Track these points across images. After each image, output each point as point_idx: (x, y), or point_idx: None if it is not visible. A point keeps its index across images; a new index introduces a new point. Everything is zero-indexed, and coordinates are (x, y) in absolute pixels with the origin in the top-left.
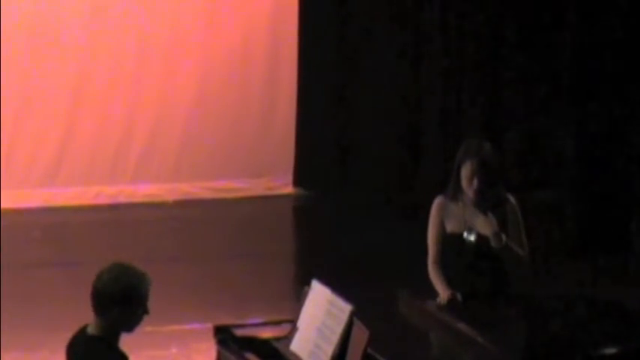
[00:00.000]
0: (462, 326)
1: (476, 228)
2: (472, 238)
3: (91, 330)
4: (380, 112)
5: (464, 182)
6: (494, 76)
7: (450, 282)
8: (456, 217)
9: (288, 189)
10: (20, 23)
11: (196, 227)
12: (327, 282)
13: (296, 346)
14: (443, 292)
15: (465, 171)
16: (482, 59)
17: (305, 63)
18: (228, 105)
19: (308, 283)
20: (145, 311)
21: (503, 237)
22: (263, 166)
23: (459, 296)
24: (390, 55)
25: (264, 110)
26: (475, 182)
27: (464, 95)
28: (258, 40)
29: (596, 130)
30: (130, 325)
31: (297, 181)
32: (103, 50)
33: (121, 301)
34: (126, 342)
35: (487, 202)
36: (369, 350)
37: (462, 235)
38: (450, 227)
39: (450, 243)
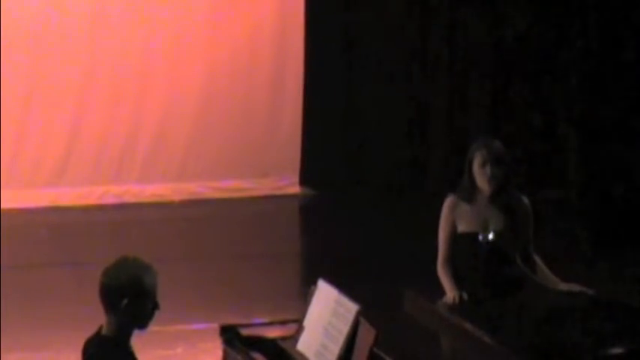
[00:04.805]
0: (468, 326)
1: (492, 226)
2: (489, 237)
3: (104, 330)
4: (386, 112)
5: (477, 175)
6: (500, 74)
7: (462, 281)
8: (469, 216)
9: (295, 188)
10: (25, 24)
11: (203, 227)
12: (334, 281)
13: (302, 345)
14: (450, 292)
15: (477, 162)
16: (488, 57)
17: (311, 63)
18: (235, 105)
19: (314, 283)
20: (156, 306)
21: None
22: (269, 166)
23: (465, 296)
24: (396, 54)
25: (271, 110)
26: (488, 169)
27: (470, 93)
28: (264, 40)
29: (603, 128)
30: (141, 320)
31: (304, 181)
32: (109, 50)
33: (128, 292)
34: (132, 342)
35: (502, 196)
36: (376, 350)
37: (475, 234)
38: (463, 227)
39: (463, 242)
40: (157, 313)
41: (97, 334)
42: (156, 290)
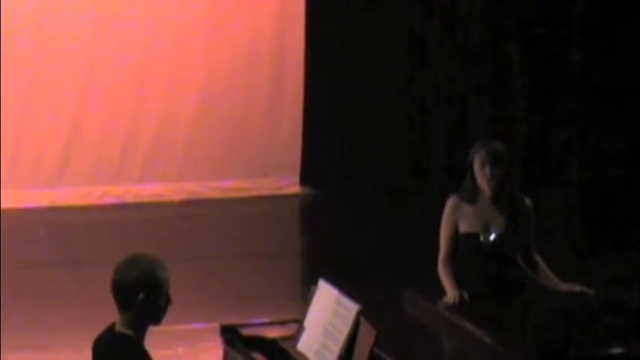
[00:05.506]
0: (469, 326)
1: (493, 227)
2: (490, 238)
3: (118, 327)
4: (386, 112)
5: (478, 176)
6: (500, 74)
7: (462, 281)
8: (471, 217)
9: (295, 188)
10: (25, 23)
11: (203, 227)
12: (334, 281)
13: (303, 345)
14: (450, 292)
15: (478, 163)
16: (488, 58)
17: (311, 62)
18: (235, 104)
19: (315, 283)
20: (169, 300)
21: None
22: (269, 166)
23: (465, 296)
24: (396, 55)
25: (271, 109)
26: (487, 170)
27: (470, 94)
28: (264, 40)
29: (602, 129)
30: (156, 315)
31: (304, 181)
32: (109, 50)
33: (141, 287)
34: None
35: (504, 197)
36: (376, 350)
37: (476, 234)
38: (464, 227)
39: (464, 243)
40: (173, 304)
41: (110, 331)
42: (168, 284)
